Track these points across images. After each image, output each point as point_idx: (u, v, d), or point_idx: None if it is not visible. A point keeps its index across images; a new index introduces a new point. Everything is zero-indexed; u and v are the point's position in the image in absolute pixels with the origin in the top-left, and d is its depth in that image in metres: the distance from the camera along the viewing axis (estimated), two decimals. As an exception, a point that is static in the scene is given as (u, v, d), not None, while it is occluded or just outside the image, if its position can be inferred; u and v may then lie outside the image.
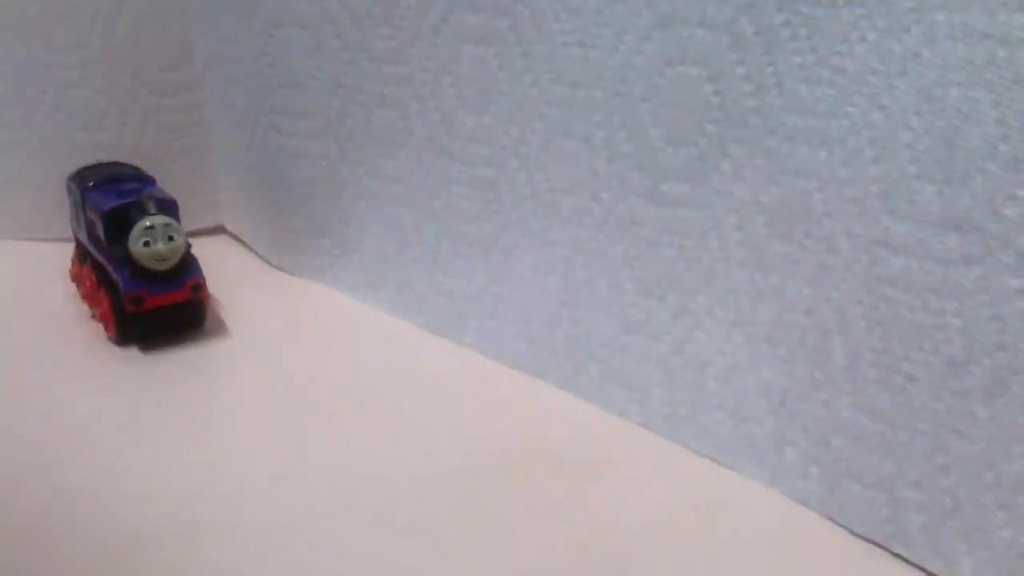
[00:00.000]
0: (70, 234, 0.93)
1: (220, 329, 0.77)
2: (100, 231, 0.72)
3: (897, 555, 0.49)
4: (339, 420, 0.64)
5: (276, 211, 0.84)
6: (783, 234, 0.54)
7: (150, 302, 0.70)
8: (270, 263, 0.87)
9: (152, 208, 0.71)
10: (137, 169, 0.80)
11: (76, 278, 0.80)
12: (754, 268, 0.55)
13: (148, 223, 0.69)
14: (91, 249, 0.75)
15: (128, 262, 0.70)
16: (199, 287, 0.72)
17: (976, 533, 0.46)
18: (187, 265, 0.72)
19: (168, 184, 0.94)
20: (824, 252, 0.52)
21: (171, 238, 0.70)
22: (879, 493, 0.50)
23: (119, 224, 0.71)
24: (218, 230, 0.95)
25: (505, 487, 0.56)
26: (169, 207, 0.73)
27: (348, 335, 0.77)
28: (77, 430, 0.64)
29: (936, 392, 0.47)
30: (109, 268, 0.71)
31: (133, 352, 0.72)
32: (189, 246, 0.73)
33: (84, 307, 0.78)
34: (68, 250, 0.91)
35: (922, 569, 0.48)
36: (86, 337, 0.74)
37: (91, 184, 0.75)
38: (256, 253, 0.89)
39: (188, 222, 0.99)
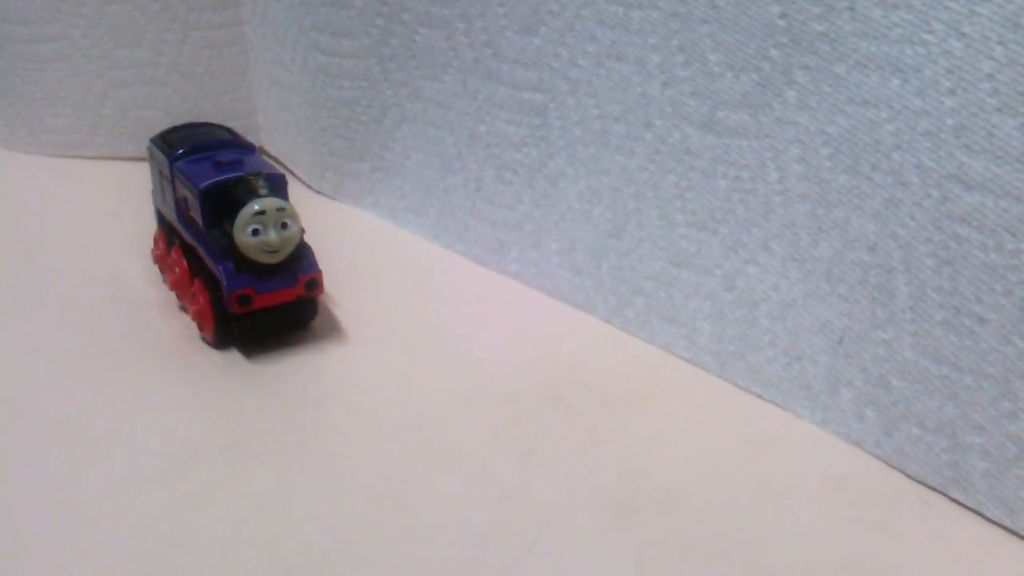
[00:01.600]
0: (110, 151, 0.92)
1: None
2: (196, 212, 0.61)
3: (955, 500, 0.48)
4: (382, 347, 0.63)
5: (316, 133, 0.82)
6: (849, 167, 0.51)
7: (258, 301, 0.58)
8: (310, 186, 0.86)
9: (262, 187, 0.58)
10: (231, 131, 0.68)
11: (160, 261, 0.69)
12: (816, 201, 0.53)
13: (258, 207, 0.57)
14: (181, 230, 0.63)
15: (231, 252, 0.58)
16: (315, 283, 0.60)
17: (1041, 481, 0.45)
18: (300, 256, 0.60)
19: (206, 104, 0.93)
20: (892, 186, 0.49)
21: (284, 225, 0.58)
22: (940, 437, 0.48)
23: (220, 205, 0.59)
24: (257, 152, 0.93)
25: (550, 418, 0.55)
26: (278, 184, 0.60)
27: (388, 262, 0.75)
28: (181, 454, 0.53)
29: (1007, 335, 0.45)
30: (207, 258, 0.60)
31: (233, 357, 0.61)
32: (302, 233, 0.61)
33: (167, 293, 0.67)
34: (118, 175, 0.89)
35: (981, 515, 0.47)
36: (175, 335, 0.63)
37: (180, 152, 0.63)
38: (295, 176, 0.88)
39: (226, 143, 0.98)
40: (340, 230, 0.80)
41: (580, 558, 0.45)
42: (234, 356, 0.61)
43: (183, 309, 0.65)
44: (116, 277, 0.71)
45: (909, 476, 0.50)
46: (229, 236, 0.58)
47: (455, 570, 0.45)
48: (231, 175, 0.60)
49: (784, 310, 0.56)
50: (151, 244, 0.70)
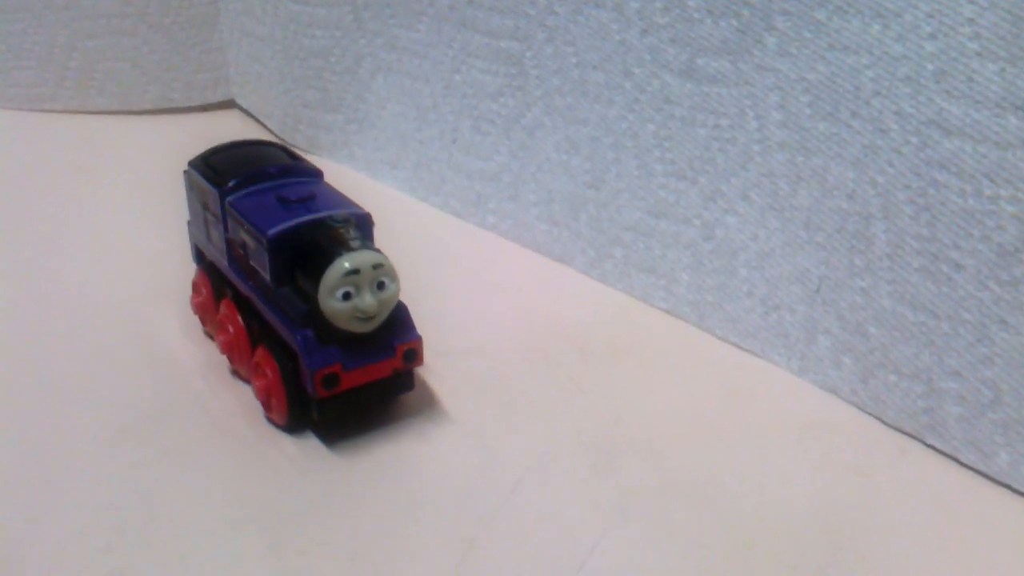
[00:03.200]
0: (77, 104, 0.89)
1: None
2: (261, 264, 0.48)
3: (930, 446, 0.48)
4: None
5: (289, 84, 0.81)
6: (828, 114, 0.51)
7: (347, 381, 0.47)
8: (283, 140, 0.85)
9: (353, 238, 0.46)
10: (286, 150, 0.56)
11: (203, 311, 0.56)
12: (795, 150, 0.53)
13: (349, 265, 0.45)
14: (236, 282, 0.51)
15: (312, 319, 0.46)
16: (415, 353, 0.48)
17: (1016, 426, 0.45)
18: (395, 318, 0.48)
19: (175, 56, 0.91)
20: (872, 133, 0.49)
21: (381, 285, 0.46)
22: (916, 384, 0.49)
23: (294, 256, 0.47)
24: (228, 105, 0.92)
25: (530, 369, 0.55)
26: (366, 228, 0.49)
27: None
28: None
29: (983, 281, 0.45)
30: (277, 323, 0.48)
31: (311, 445, 0.49)
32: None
33: (212, 352, 0.55)
34: (85, 130, 0.85)
35: (956, 460, 0.47)
36: (230, 414, 0.50)
37: (234, 183, 0.50)
38: (268, 129, 0.86)
39: (196, 97, 0.96)
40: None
41: (560, 503, 0.45)
42: (312, 444, 0.49)
43: (234, 373, 0.53)
44: (145, 325, 0.58)
45: (885, 422, 0.50)
46: (309, 298, 0.46)
47: (439, 513, 0.45)
48: (307, 218, 0.48)
49: (762, 259, 0.55)
50: (192, 292, 0.57)
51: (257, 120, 0.88)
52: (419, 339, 0.48)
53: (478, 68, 0.68)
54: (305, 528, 0.44)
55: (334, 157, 0.81)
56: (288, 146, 0.56)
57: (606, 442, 0.49)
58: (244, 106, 0.90)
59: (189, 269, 0.58)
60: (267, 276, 0.48)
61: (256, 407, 0.50)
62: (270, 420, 0.50)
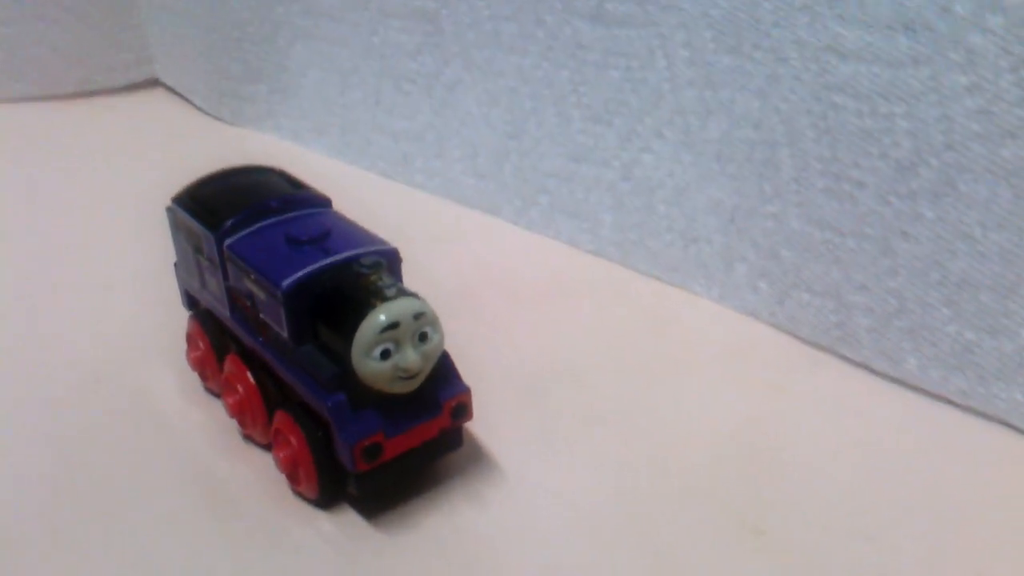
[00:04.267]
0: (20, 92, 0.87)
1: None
2: (275, 319, 0.41)
3: (843, 357, 0.50)
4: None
5: (210, 58, 0.81)
6: (732, 47, 0.52)
7: (390, 449, 0.40)
8: (209, 114, 0.84)
9: (388, 285, 0.39)
10: (283, 174, 0.48)
11: (205, 368, 0.48)
12: (702, 85, 0.54)
13: (386, 319, 0.38)
14: (244, 338, 0.44)
15: (342, 379, 0.39)
16: (464, 408, 0.42)
17: (922, 331, 0.47)
18: (439, 370, 0.41)
19: (95, 37, 0.90)
20: (773, 63, 0.51)
21: (423, 336, 0.39)
22: (827, 300, 0.51)
23: (314, 308, 0.40)
24: (152, 84, 0.91)
25: (461, 315, 0.56)
26: (394, 266, 0.42)
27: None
28: None
29: (884, 197, 0.47)
30: (301, 388, 0.41)
31: (348, 521, 0.42)
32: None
33: (219, 414, 0.47)
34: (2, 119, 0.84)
35: (868, 369, 0.49)
36: (249, 489, 0.43)
37: (231, 223, 0.43)
38: (194, 105, 0.86)
39: (119, 77, 0.96)
40: (243, 156, 0.79)
41: (491, 434, 0.46)
42: (349, 519, 0.42)
43: (247, 438, 0.46)
44: (135, 382, 0.50)
45: (801, 339, 0.52)
46: (339, 357, 0.39)
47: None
48: (326, 262, 0.40)
49: (679, 195, 0.57)
50: (187, 346, 0.49)
51: (182, 97, 0.88)
52: (468, 391, 0.41)
53: (395, 28, 0.68)
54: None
55: (260, 128, 0.81)
56: (285, 171, 0.49)
57: (535, 377, 0.50)
58: (168, 83, 0.90)
59: (172, 307, 0.52)
60: (284, 333, 0.40)
61: (279, 478, 0.43)
62: (297, 493, 0.43)
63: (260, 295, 0.41)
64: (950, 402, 0.47)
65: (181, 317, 0.51)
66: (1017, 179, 0.43)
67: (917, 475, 0.43)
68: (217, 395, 0.48)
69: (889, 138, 0.47)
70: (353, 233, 0.43)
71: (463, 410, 0.42)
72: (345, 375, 0.39)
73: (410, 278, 0.53)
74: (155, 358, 0.52)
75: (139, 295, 0.58)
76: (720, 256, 0.55)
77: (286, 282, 0.40)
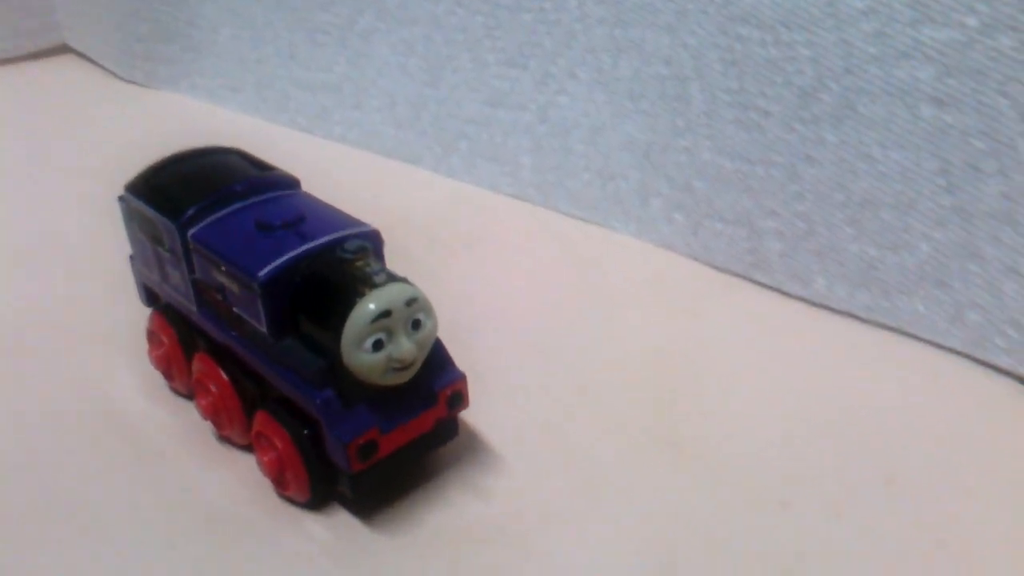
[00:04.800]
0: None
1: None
2: (251, 312, 0.38)
3: (757, 282, 0.52)
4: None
5: (120, 19, 0.79)
6: (639, -16, 0.53)
7: (386, 445, 0.37)
8: (121, 78, 0.83)
9: (376, 272, 0.37)
10: (244, 155, 0.46)
11: (171, 367, 0.45)
12: (613, 23, 0.55)
13: (377, 307, 0.35)
14: (215, 334, 0.41)
15: (331, 377, 0.37)
16: (460, 396, 0.40)
17: (828, 251, 0.49)
18: (432, 358, 0.39)
19: (1, 4, 0.87)
20: (679, -3, 0.52)
21: (417, 324, 0.37)
22: (739, 228, 0.52)
23: (294, 298, 0.38)
24: (61, 49, 0.89)
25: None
26: (377, 247, 0.40)
27: (207, 135, 0.73)
28: None
29: (789, 124, 0.49)
30: (285, 385, 0.38)
31: (342, 523, 0.39)
32: None
33: (189, 415, 0.44)
34: None
35: (780, 291, 0.51)
36: (229, 493, 0.40)
37: (192, 212, 0.40)
38: (105, 69, 0.84)
39: (27, 44, 0.93)
40: (159, 119, 0.78)
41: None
42: (343, 520, 0.39)
43: (224, 440, 0.43)
44: (95, 384, 0.46)
45: (716, 267, 0.53)
46: (325, 350, 0.37)
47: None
48: (304, 248, 0.38)
49: (594, 134, 0.58)
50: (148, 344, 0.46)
51: (93, 62, 0.86)
52: (464, 378, 0.39)
53: (307, -20, 0.68)
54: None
55: (176, 88, 0.79)
56: (244, 150, 0.46)
57: (460, 320, 0.51)
58: (78, 48, 0.87)
59: (121, 290, 0.48)
60: (262, 327, 0.38)
61: (262, 481, 0.40)
62: (284, 497, 0.40)
63: (233, 288, 0.38)
64: (856, 317, 0.48)
65: (135, 310, 0.47)
66: (911, 98, 0.44)
67: (827, 387, 0.45)
68: (184, 395, 0.45)
69: (792, 66, 0.48)
70: (328, 215, 0.40)
71: (459, 399, 0.39)
72: (333, 369, 0.36)
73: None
74: (111, 350, 0.48)
75: (85, 284, 0.54)
76: (636, 192, 0.56)
77: (262, 272, 0.37)
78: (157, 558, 0.37)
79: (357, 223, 0.40)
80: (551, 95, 0.59)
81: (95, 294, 0.53)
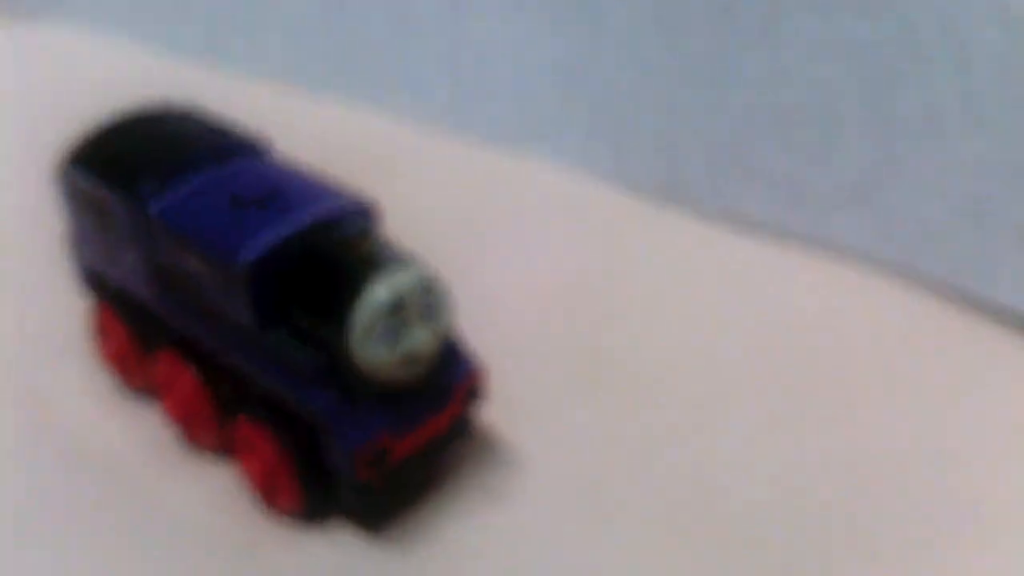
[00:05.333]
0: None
1: None
2: (234, 300, 0.33)
3: (681, 203, 0.51)
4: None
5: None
6: None
7: (399, 450, 0.33)
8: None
9: (388, 252, 0.33)
10: (205, 118, 0.40)
11: (126, 365, 0.40)
12: (526, -60, 0.53)
13: (388, 295, 0.31)
14: (182, 326, 0.36)
15: (331, 373, 0.32)
16: (475, 391, 0.35)
17: (753, 171, 0.48)
18: (447, 351, 0.34)
19: None
20: (595, -90, 0.50)
21: (432, 312, 0.33)
22: (660, 149, 0.51)
23: (287, 286, 0.33)
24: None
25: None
26: (377, 220, 0.36)
27: (94, 81, 0.69)
28: None
29: (708, 38, 0.48)
30: (273, 384, 0.34)
31: (343, 534, 0.35)
32: None
33: (152, 419, 0.39)
34: None
35: (704, 212, 0.50)
36: (209, 510, 0.35)
37: (152, 185, 0.35)
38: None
39: None
40: (32, 57, 0.72)
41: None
42: (345, 535, 0.35)
43: (193, 447, 0.38)
44: (31, 391, 0.41)
45: (637, 190, 0.52)
46: (324, 343, 0.32)
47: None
48: (295, 227, 0.33)
49: (512, 57, 0.56)
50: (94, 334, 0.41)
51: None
52: (482, 371, 0.35)
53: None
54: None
55: (48, 19, 0.74)
56: (200, 110, 0.40)
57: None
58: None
59: (55, 289, 0.43)
60: (244, 318, 0.33)
61: (243, 491, 0.36)
62: (273, 507, 0.35)
63: (207, 273, 0.33)
64: (784, 236, 0.48)
65: (72, 301, 0.42)
66: (827, 10, 0.44)
67: (753, 305, 0.44)
68: (143, 393, 0.39)
69: (714, -21, 0.47)
70: (314, 186, 0.35)
71: (475, 392, 0.35)
72: (334, 365, 0.32)
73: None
74: (48, 353, 0.42)
75: None
76: (553, 117, 0.55)
77: (246, 255, 0.32)
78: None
79: (349, 195, 0.35)
80: (465, 21, 0.57)
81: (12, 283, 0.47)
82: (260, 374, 0.33)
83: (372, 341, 0.31)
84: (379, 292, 0.31)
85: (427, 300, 0.32)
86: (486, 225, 0.52)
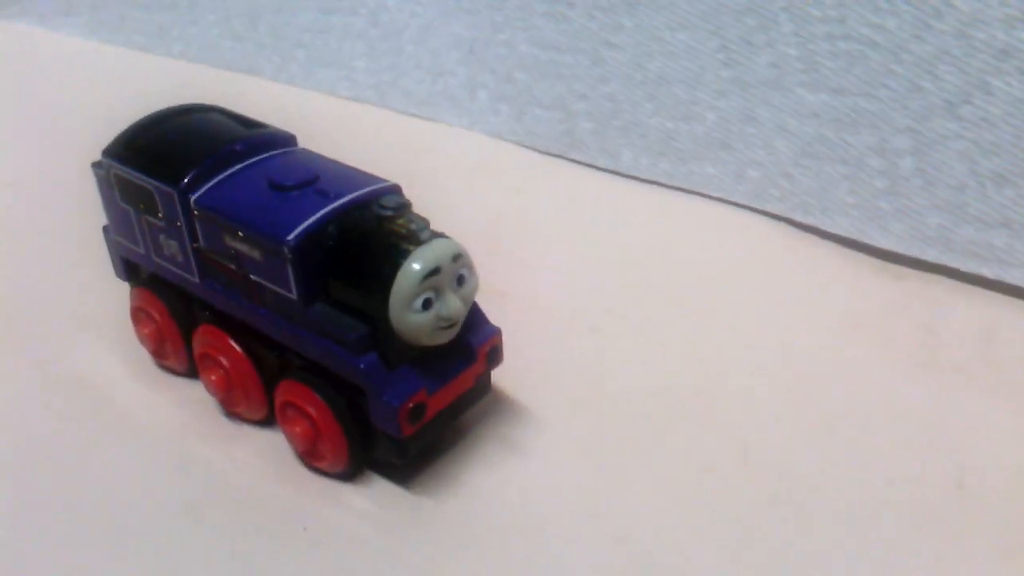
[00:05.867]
0: None
1: None
2: (278, 278, 0.36)
3: (574, 160, 0.58)
4: (64, 151, 0.64)
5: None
6: None
7: (433, 405, 0.37)
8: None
9: (421, 228, 0.35)
10: (225, 112, 0.43)
11: (162, 344, 0.43)
12: (431, -72, 0.59)
13: (425, 266, 0.34)
14: (225, 305, 0.39)
15: (374, 340, 0.36)
16: (497, 351, 0.39)
17: (632, 127, 0.55)
18: (470, 317, 0.38)
19: None
20: (489, -99, 0.56)
21: (461, 279, 0.36)
22: (556, 112, 0.58)
23: (321, 261, 0.36)
24: None
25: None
26: (403, 197, 0.38)
27: (50, 71, 0.74)
28: None
29: (590, 12, 0.54)
30: (320, 352, 0.36)
31: (380, 488, 0.38)
32: None
33: (190, 394, 0.42)
34: None
35: (593, 167, 0.57)
36: (249, 471, 0.39)
37: (194, 175, 0.38)
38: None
39: None
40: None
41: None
42: (383, 488, 0.38)
43: (231, 416, 0.41)
44: (72, 366, 0.44)
45: (538, 150, 0.59)
46: (364, 314, 0.35)
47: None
48: (333, 207, 0.36)
49: (424, 34, 0.62)
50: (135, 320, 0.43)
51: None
52: (499, 333, 0.39)
53: None
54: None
55: (5, 15, 0.79)
56: (225, 107, 0.44)
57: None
58: None
59: (85, 275, 0.46)
60: (291, 294, 0.36)
61: (285, 456, 0.39)
62: (314, 469, 0.38)
63: (252, 254, 0.36)
64: (659, 183, 0.55)
65: (110, 286, 0.44)
66: (691, -16, 0.51)
67: (635, 242, 0.51)
68: (178, 373, 0.43)
69: (591, -39, 0.54)
70: (343, 172, 0.39)
71: (496, 354, 0.39)
72: (374, 332, 0.35)
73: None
74: (87, 334, 0.45)
75: (34, 260, 0.51)
76: (464, 87, 0.61)
77: (291, 235, 0.35)
78: (193, 555, 0.35)
79: (376, 178, 0.38)
80: (381, 2, 0.63)
81: (56, 272, 0.51)
82: (306, 344, 0.36)
83: (410, 309, 0.34)
84: (417, 264, 0.34)
85: (457, 270, 0.35)
86: (408, 186, 0.58)
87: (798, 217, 0.51)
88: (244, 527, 0.36)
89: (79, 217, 0.49)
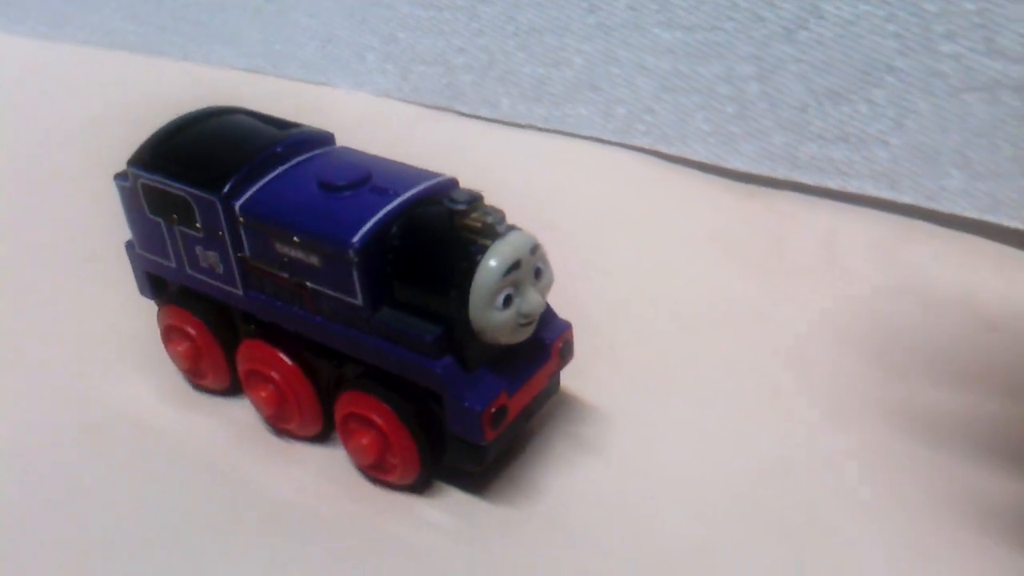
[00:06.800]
0: None
1: None
2: (340, 284, 0.34)
3: (458, 112, 0.61)
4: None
5: None
6: None
7: (513, 408, 0.34)
8: None
9: (498, 222, 0.33)
10: (250, 112, 0.41)
11: (200, 364, 0.40)
12: (313, -99, 0.62)
13: (505, 260, 0.32)
14: (278, 317, 0.36)
15: (449, 342, 0.33)
16: (569, 347, 0.37)
17: (508, 76, 0.58)
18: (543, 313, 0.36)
19: None
20: None
21: (538, 272, 0.34)
22: (438, 68, 0.61)
23: (392, 264, 0.34)
24: None
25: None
26: (466, 190, 0.35)
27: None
28: None
29: (465, -29, 0.58)
30: (388, 359, 0.34)
31: (453, 499, 0.36)
32: None
33: (232, 415, 0.39)
34: None
35: (476, 117, 0.60)
36: (311, 495, 0.36)
37: (235, 181, 0.35)
38: None
39: None
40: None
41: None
42: (454, 501, 0.36)
43: (282, 434, 0.38)
44: (114, 397, 0.40)
45: (424, 105, 0.62)
46: (438, 315, 0.33)
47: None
48: (396, 205, 0.34)
49: (314, 4, 0.65)
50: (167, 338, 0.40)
51: None
52: (570, 328, 0.37)
53: None
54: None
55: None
56: (248, 108, 0.41)
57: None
58: None
59: (105, 299, 0.44)
60: (356, 299, 0.34)
61: (347, 474, 0.36)
62: (381, 483, 0.36)
63: (309, 260, 0.34)
64: (537, 128, 0.58)
65: (134, 304, 0.42)
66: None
67: (516, 183, 0.54)
68: (215, 393, 0.40)
69: (461, -79, 0.57)
70: (394, 167, 0.37)
71: (569, 349, 0.37)
72: (449, 334, 0.33)
73: (72, 130, 0.57)
74: (109, 361, 0.41)
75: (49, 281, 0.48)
76: (352, 50, 0.64)
77: (356, 237, 0.32)
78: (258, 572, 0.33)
79: (429, 173, 0.36)
80: (271, -26, 0.66)
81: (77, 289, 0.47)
82: (371, 351, 0.34)
83: (492, 306, 0.32)
84: (497, 259, 0.32)
85: (534, 263, 0.33)
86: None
87: (662, 148, 0.54)
88: (318, 550, 0.33)
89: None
